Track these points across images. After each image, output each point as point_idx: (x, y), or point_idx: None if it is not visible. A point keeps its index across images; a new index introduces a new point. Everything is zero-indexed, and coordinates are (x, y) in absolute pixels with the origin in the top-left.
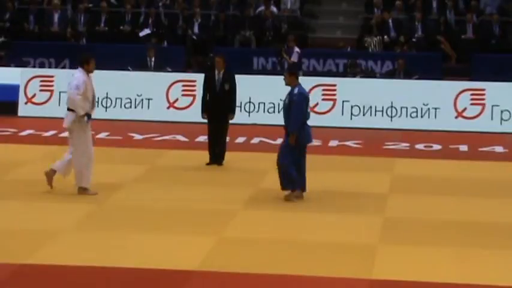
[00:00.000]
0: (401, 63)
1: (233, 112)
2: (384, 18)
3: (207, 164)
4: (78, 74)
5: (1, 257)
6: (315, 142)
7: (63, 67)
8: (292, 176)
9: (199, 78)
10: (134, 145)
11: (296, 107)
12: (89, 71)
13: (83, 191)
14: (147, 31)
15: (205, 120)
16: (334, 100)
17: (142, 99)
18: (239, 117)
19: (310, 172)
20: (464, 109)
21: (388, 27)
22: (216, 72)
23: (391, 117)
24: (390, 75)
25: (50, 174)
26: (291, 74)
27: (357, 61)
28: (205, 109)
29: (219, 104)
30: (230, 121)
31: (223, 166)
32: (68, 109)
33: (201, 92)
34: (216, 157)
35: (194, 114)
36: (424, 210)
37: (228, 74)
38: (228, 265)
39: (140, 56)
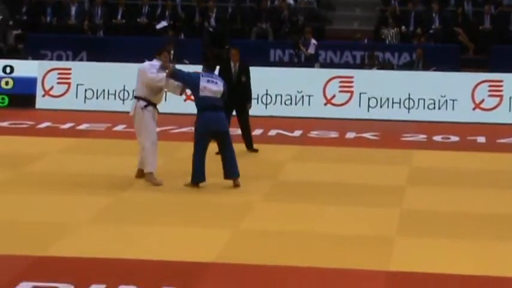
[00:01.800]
0: (420, 53)
1: (251, 101)
2: (401, 9)
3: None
4: (154, 62)
5: (19, 249)
6: (332, 134)
7: (81, 60)
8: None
9: (216, 70)
10: None
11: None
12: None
13: (149, 177)
14: (164, 23)
15: None
16: (352, 92)
17: None
18: (256, 109)
19: (328, 164)
20: (482, 100)
21: (405, 19)
22: (232, 64)
23: (409, 109)
24: (409, 66)
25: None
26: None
27: (374, 53)
28: None
29: (237, 95)
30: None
31: (242, 158)
32: (136, 98)
33: None
34: (249, 146)
35: None
36: (442, 202)
37: (243, 65)
38: (245, 257)
39: (157, 49)
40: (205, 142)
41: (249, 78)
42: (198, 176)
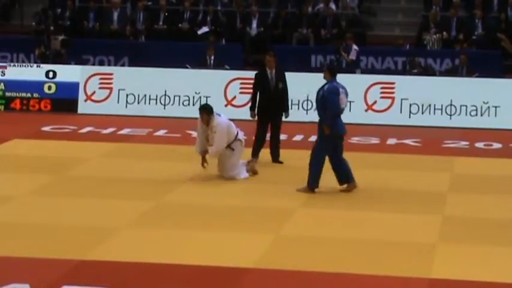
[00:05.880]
0: (464, 59)
1: (288, 110)
2: (443, 15)
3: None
4: None
5: (60, 252)
6: (373, 140)
7: (123, 65)
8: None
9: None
10: (192, 143)
11: (328, 101)
12: None
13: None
14: (205, 29)
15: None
16: (393, 98)
17: (200, 97)
18: (297, 115)
19: (369, 170)
20: None
21: (447, 25)
22: (268, 71)
23: (451, 115)
24: (452, 72)
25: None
26: (328, 71)
27: (415, 58)
28: (260, 109)
29: (275, 102)
30: (285, 119)
31: (281, 164)
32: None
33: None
34: (276, 157)
35: None
36: (484, 209)
37: (280, 71)
38: (285, 263)
39: (199, 54)
40: (332, 146)
41: (286, 86)
42: (316, 184)
